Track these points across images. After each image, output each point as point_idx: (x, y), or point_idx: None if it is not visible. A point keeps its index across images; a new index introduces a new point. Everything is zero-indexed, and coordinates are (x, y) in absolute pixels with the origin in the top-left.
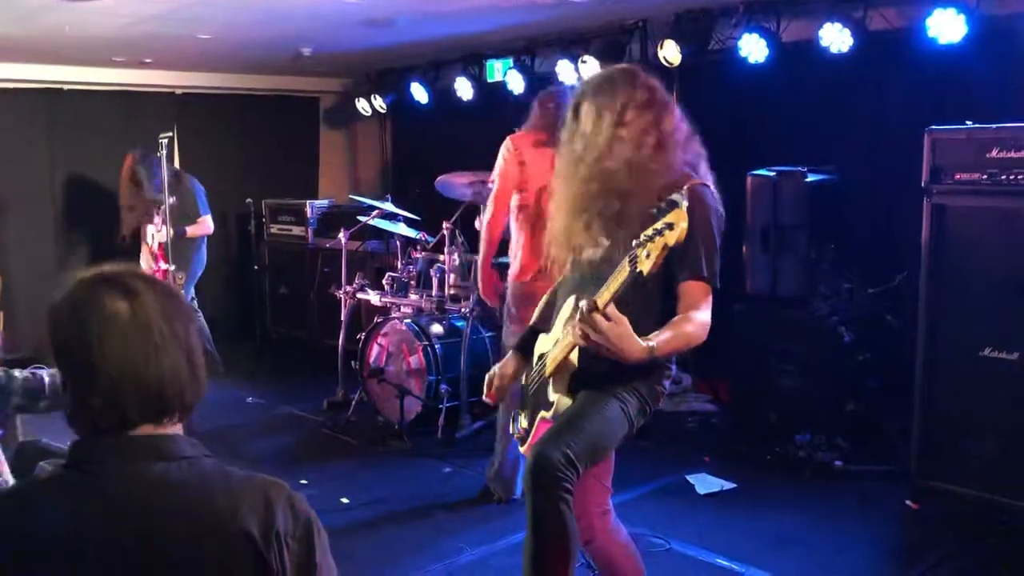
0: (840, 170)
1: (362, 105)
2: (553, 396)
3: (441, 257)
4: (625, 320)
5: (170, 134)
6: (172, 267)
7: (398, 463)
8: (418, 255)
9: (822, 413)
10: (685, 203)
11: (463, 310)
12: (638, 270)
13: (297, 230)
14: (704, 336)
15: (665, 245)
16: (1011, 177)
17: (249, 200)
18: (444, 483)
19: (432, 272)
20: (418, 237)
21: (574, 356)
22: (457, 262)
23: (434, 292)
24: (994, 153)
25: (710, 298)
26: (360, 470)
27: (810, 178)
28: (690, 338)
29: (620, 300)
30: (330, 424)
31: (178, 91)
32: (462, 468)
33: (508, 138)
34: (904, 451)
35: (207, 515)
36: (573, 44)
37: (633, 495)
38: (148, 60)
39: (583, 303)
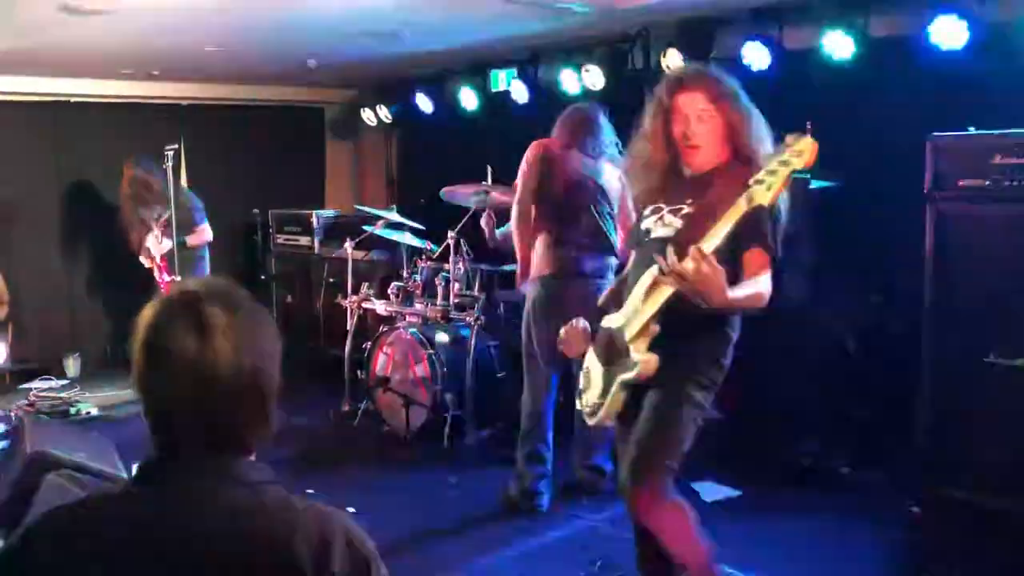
0: (843, 177)
1: (367, 115)
2: (637, 356)
3: (446, 266)
4: (721, 270)
5: (176, 146)
6: (177, 279)
7: (404, 472)
8: (423, 264)
9: (827, 420)
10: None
11: (468, 319)
12: (756, 203)
13: (303, 240)
14: (766, 301)
15: (791, 172)
16: (1014, 183)
17: (255, 210)
18: (450, 492)
19: (437, 281)
20: (423, 246)
21: (655, 324)
22: (462, 271)
23: (439, 301)
24: (997, 159)
25: (770, 267)
26: (366, 479)
27: (813, 185)
28: (759, 298)
29: None
30: (336, 433)
31: (184, 103)
32: (468, 477)
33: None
34: (909, 458)
35: (261, 543)
36: (576, 53)
37: None
38: (155, 72)
39: (692, 247)
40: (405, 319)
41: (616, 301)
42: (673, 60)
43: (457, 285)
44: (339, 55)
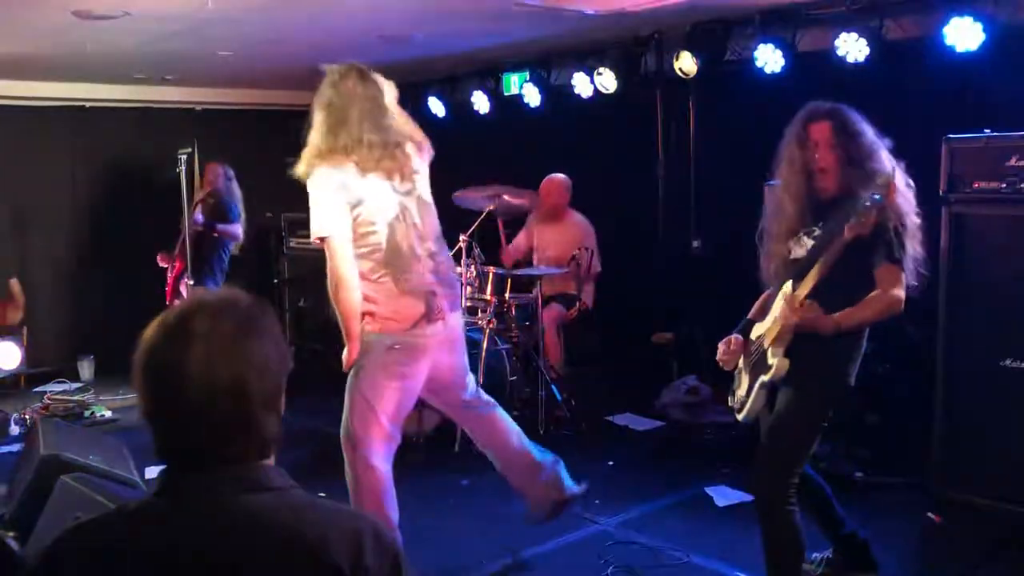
0: None
1: None
2: (772, 360)
3: (458, 269)
4: (814, 304)
5: (189, 149)
6: (188, 281)
7: (416, 475)
8: None
9: (842, 424)
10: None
11: (480, 322)
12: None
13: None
14: (897, 308)
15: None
16: None
17: (269, 214)
18: (462, 495)
19: None
20: None
21: (789, 334)
22: (474, 275)
23: None
24: (1013, 161)
25: (902, 277)
26: None
27: None
28: (879, 309)
29: (826, 290)
30: None
31: (198, 107)
32: (480, 480)
33: None
34: (925, 462)
35: (296, 547)
36: (589, 56)
37: (652, 508)
38: (169, 77)
39: (786, 297)
40: None
41: (762, 311)
42: (686, 63)
43: (469, 288)
44: (350, 59)
